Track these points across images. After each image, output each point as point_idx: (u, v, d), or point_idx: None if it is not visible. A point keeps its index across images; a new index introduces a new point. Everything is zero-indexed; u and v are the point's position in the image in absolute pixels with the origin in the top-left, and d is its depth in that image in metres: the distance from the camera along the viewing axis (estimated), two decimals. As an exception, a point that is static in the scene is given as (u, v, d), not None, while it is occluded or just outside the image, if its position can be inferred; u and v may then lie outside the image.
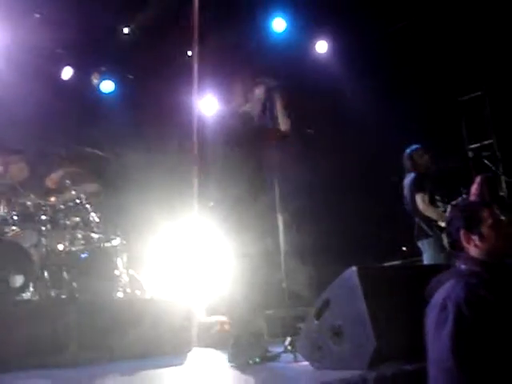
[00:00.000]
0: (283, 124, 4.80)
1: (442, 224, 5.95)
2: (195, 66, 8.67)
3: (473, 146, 8.15)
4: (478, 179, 6.11)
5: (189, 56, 8.74)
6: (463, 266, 2.84)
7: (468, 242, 2.86)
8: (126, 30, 8.42)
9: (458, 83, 7.93)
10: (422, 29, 7.79)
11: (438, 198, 6.15)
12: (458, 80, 7.88)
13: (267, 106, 4.73)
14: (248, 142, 4.65)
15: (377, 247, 7.18)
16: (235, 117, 4.68)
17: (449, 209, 6.06)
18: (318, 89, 8.06)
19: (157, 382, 3.75)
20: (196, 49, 8.60)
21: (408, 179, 6.25)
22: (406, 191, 6.24)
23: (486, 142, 8.15)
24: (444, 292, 2.67)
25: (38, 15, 7.48)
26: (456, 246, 2.94)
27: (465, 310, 2.54)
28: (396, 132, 7.24)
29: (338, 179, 8.00)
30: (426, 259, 6.12)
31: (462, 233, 2.87)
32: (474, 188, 5.98)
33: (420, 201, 6.04)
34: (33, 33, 7.41)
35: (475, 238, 2.84)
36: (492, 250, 2.83)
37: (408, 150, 6.34)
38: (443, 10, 7.42)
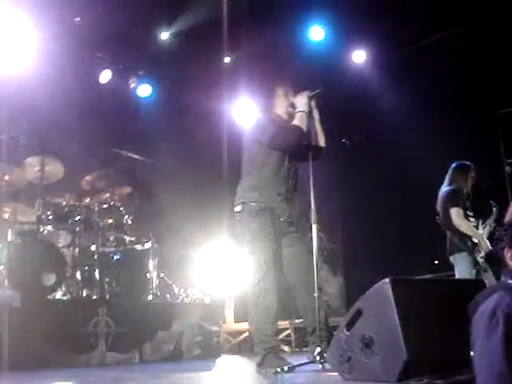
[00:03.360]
0: (321, 139, 4.78)
1: (475, 240, 5.90)
2: (232, 73, 8.78)
3: (510, 161, 8.01)
4: None
5: (226, 62, 8.81)
6: (510, 281, 2.90)
7: (511, 259, 2.93)
8: (164, 36, 8.48)
9: (498, 96, 7.81)
10: (461, 39, 7.71)
11: (470, 213, 6.08)
12: (497, 92, 7.77)
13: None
14: (292, 155, 4.64)
15: (409, 260, 7.09)
16: (287, 130, 4.64)
17: (481, 225, 6.01)
18: (354, 99, 8.02)
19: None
20: (233, 55, 8.71)
21: (443, 192, 6.17)
22: (440, 204, 6.16)
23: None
24: (493, 301, 2.73)
25: (78, 18, 7.57)
26: (501, 263, 3.01)
27: None
28: (432, 144, 7.16)
29: (372, 190, 7.94)
30: (458, 273, 6.04)
31: (505, 250, 2.95)
32: None
33: (455, 215, 5.96)
34: (72, 36, 7.51)
35: None
36: None
37: (462, 164, 6.23)
38: (484, 20, 7.33)
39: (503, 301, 2.70)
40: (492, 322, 2.67)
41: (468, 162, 6.26)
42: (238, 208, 4.63)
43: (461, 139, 7.35)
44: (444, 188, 6.19)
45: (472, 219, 6.05)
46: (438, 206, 6.17)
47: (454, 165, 6.24)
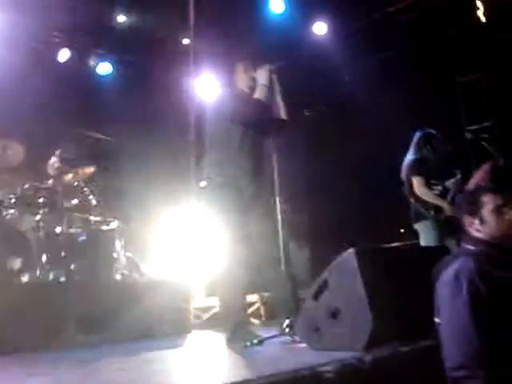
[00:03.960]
0: (283, 111, 4.78)
1: (438, 204, 5.98)
2: (192, 47, 8.69)
3: (471, 128, 8.12)
4: (485, 166, 6.08)
5: (182, 43, 8.71)
6: (472, 247, 2.94)
7: (470, 226, 2.96)
8: (121, 19, 8.36)
9: (458, 64, 7.87)
10: (419, 8, 7.74)
11: (433, 181, 6.14)
12: (457, 60, 7.83)
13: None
14: (256, 129, 4.63)
15: (374, 229, 7.18)
16: (248, 103, 4.63)
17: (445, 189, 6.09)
18: (315, 71, 8.02)
19: (157, 364, 3.76)
20: (192, 30, 8.60)
21: (407, 161, 6.23)
22: (403, 173, 6.22)
23: (484, 124, 8.12)
24: (456, 266, 2.80)
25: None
26: (462, 230, 3.04)
27: (476, 280, 2.68)
28: (394, 112, 7.21)
29: (336, 161, 7.98)
30: (423, 241, 6.13)
31: (464, 217, 2.98)
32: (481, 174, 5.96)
33: (417, 184, 6.03)
34: (29, 15, 7.36)
35: (476, 222, 2.93)
36: (492, 234, 2.91)
37: (426, 132, 6.27)
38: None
39: (465, 267, 2.76)
40: (456, 286, 2.73)
41: (432, 130, 6.32)
42: (203, 183, 4.64)
43: (422, 108, 7.41)
44: (408, 156, 6.25)
45: (436, 187, 6.13)
46: (403, 174, 6.24)
47: (418, 133, 6.29)
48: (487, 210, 2.91)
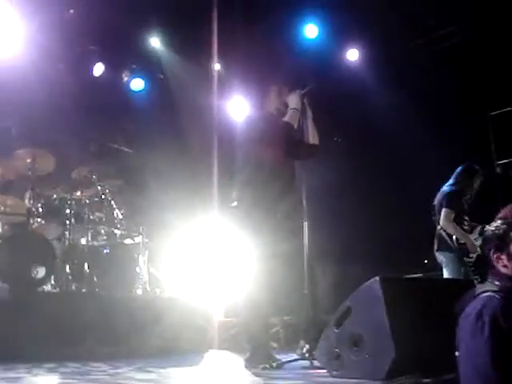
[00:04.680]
0: (314, 137, 4.78)
1: (462, 241, 5.92)
2: (224, 69, 8.78)
3: (501, 162, 8.04)
4: None
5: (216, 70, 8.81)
6: (497, 283, 2.91)
7: (497, 262, 2.95)
8: (154, 41, 8.57)
9: (490, 97, 7.82)
10: (455, 40, 7.73)
11: (466, 217, 6.10)
12: (489, 94, 7.78)
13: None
14: (285, 151, 4.64)
15: (399, 258, 7.11)
16: (277, 126, 4.66)
17: (475, 230, 6.03)
18: (347, 98, 8.02)
19: (173, 381, 3.75)
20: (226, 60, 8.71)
21: (443, 190, 6.17)
22: (437, 200, 6.17)
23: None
24: (480, 302, 2.77)
25: (71, 11, 7.55)
26: (488, 265, 3.02)
27: (500, 320, 2.65)
28: (425, 144, 7.17)
29: (365, 187, 7.94)
30: (447, 273, 6.06)
31: (492, 252, 2.97)
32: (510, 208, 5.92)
33: (444, 217, 5.98)
34: (66, 28, 7.49)
35: (504, 257, 2.93)
36: None
37: (470, 167, 6.24)
38: (480, 21, 7.35)
39: (489, 303, 2.73)
40: (478, 324, 2.70)
41: (476, 166, 6.26)
42: (234, 204, 4.64)
43: (453, 140, 7.36)
44: (446, 186, 6.20)
45: (466, 223, 6.07)
46: (436, 201, 6.19)
47: (462, 166, 6.25)
48: None
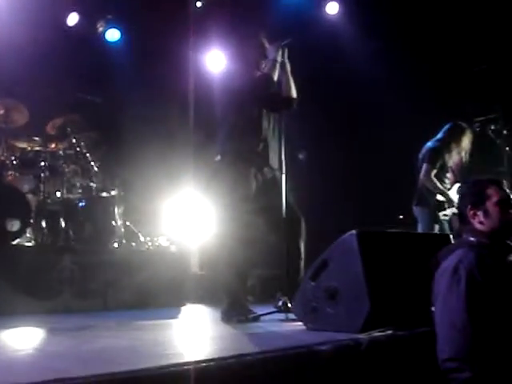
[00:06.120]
0: (292, 90, 4.73)
1: (440, 198, 5.97)
2: (203, 20, 8.62)
3: (479, 119, 8.04)
4: None
5: (198, 7, 8.66)
6: (472, 239, 2.99)
7: (473, 218, 3.01)
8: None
9: (467, 55, 7.78)
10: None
11: (448, 175, 6.14)
12: (466, 52, 7.74)
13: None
14: (264, 104, 4.60)
15: (374, 212, 7.14)
16: (254, 79, 4.60)
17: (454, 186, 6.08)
18: (326, 51, 7.93)
19: (150, 334, 3.76)
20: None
21: (427, 145, 6.19)
22: (421, 156, 6.19)
23: (492, 116, 8.03)
24: (456, 258, 2.83)
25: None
26: (464, 221, 3.10)
27: (476, 274, 2.73)
28: (403, 98, 7.14)
29: (342, 139, 7.93)
30: (421, 228, 6.13)
31: (468, 208, 3.03)
32: None
33: (424, 172, 6.02)
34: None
35: (480, 214, 2.99)
36: (494, 227, 2.97)
37: (457, 125, 6.24)
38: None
39: (465, 258, 2.80)
40: (454, 278, 2.76)
41: (464, 124, 6.27)
42: (217, 157, 4.60)
43: (430, 95, 7.35)
44: (430, 142, 6.21)
45: (447, 181, 6.11)
46: (420, 155, 6.21)
47: (450, 122, 6.24)
48: (492, 203, 2.96)
